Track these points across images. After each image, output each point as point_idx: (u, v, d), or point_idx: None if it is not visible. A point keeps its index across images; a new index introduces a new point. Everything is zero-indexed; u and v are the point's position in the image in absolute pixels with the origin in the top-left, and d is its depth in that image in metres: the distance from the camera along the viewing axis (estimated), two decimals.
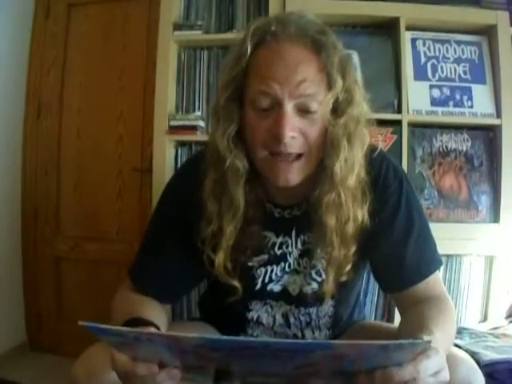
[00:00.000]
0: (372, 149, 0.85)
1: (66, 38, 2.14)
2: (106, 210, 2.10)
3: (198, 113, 1.68)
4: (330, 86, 0.76)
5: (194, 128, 1.63)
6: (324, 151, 0.79)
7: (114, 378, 0.63)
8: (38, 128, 2.17)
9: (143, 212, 2.01)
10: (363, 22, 1.65)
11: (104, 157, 2.10)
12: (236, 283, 0.85)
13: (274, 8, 1.61)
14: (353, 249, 0.83)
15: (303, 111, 0.76)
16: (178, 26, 1.67)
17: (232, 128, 0.79)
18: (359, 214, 0.81)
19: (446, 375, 0.59)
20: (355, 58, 1.56)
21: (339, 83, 0.76)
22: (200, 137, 1.64)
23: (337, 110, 0.77)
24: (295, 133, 0.75)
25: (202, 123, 1.66)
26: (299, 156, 0.78)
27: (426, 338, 0.62)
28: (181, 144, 1.69)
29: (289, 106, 0.74)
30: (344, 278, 0.86)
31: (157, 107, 1.66)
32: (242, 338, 0.53)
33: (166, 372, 0.59)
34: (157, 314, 0.81)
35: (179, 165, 1.67)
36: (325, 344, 0.55)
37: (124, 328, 0.58)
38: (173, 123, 1.64)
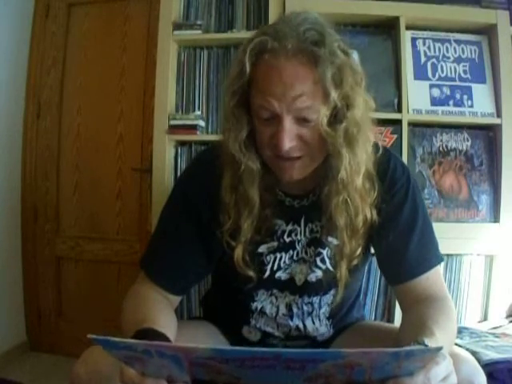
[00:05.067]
0: (378, 146, 0.89)
1: (66, 38, 2.15)
2: (105, 209, 2.10)
3: (198, 112, 1.67)
4: (326, 96, 0.78)
5: (193, 127, 1.63)
6: (327, 152, 0.82)
7: (114, 378, 0.62)
8: (37, 128, 2.17)
9: (143, 212, 2.01)
10: (363, 21, 1.65)
11: (104, 157, 2.10)
12: (252, 273, 0.89)
13: (273, 7, 1.61)
14: (361, 240, 0.88)
15: (301, 120, 0.78)
16: (177, 26, 1.67)
17: (243, 133, 0.83)
18: (367, 210, 0.85)
19: (454, 379, 0.61)
20: (355, 57, 1.56)
21: (333, 95, 0.77)
22: (200, 136, 1.65)
23: (336, 116, 0.80)
24: (294, 141, 0.79)
25: (201, 123, 1.65)
26: (300, 156, 0.81)
27: (435, 345, 0.63)
28: (181, 143, 1.69)
29: (287, 119, 0.77)
30: (355, 262, 0.89)
31: (157, 107, 1.66)
32: (253, 348, 0.53)
33: None
34: (167, 319, 0.81)
35: (179, 164, 1.67)
36: (336, 353, 0.55)
37: (133, 340, 0.57)
38: (173, 123, 1.64)
